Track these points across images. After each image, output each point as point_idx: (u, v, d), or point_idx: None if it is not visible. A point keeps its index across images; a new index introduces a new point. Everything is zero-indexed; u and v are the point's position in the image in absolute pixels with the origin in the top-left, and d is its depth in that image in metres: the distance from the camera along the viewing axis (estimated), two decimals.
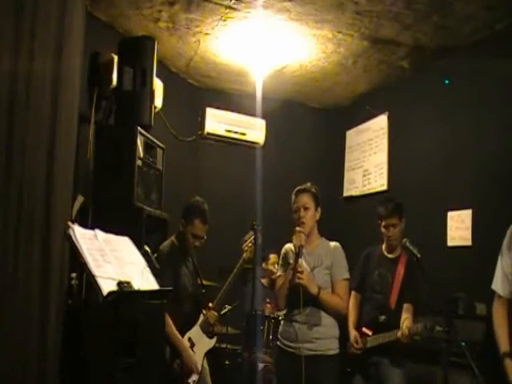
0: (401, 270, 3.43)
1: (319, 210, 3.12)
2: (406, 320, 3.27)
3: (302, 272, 2.90)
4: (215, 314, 3.57)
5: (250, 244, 3.62)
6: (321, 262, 3.06)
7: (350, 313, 3.55)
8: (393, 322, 3.30)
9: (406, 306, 3.38)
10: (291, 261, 3.07)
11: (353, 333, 3.45)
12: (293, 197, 3.14)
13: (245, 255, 3.62)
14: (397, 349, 3.25)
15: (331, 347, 3.01)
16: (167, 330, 3.20)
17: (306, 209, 3.06)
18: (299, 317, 2.99)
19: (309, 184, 3.17)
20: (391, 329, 3.26)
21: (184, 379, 3.26)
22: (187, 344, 3.34)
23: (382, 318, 3.38)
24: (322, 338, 2.98)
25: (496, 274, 2.52)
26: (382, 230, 3.51)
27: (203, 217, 3.41)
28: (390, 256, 3.54)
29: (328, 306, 2.99)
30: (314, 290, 2.93)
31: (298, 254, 2.94)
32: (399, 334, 3.18)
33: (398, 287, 3.40)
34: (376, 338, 3.35)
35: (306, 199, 3.08)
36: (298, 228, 3.01)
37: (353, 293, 3.61)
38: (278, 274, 3.22)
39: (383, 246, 3.59)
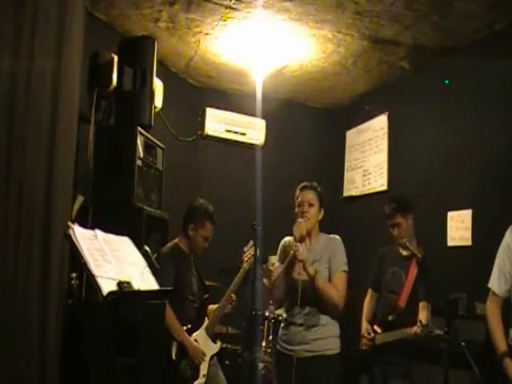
0: (414, 268, 3.37)
1: (322, 211, 3.10)
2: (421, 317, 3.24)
3: (300, 255, 2.86)
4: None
5: (249, 255, 3.62)
6: (320, 256, 3.03)
7: (364, 308, 3.59)
8: (402, 321, 3.27)
9: (421, 304, 3.31)
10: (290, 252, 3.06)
11: (365, 325, 3.45)
12: (297, 191, 3.11)
13: (245, 265, 3.61)
14: (403, 348, 3.24)
15: (330, 347, 2.98)
16: (170, 323, 3.20)
17: (310, 205, 3.05)
18: (297, 318, 2.98)
19: (315, 183, 3.16)
20: (399, 328, 3.25)
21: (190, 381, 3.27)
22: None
23: (390, 317, 3.36)
24: (320, 338, 2.96)
25: (493, 272, 2.54)
26: (390, 229, 3.52)
27: (212, 218, 3.48)
28: (404, 254, 3.51)
29: (323, 294, 2.92)
30: (311, 270, 2.90)
31: (298, 241, 2.91)
32: (416, 329, 3.11)
33: (410, 286, 3.35)
34: (386, 335, 3.32)
35: (312, 196, 3.07)
36: (299, 219, 2.99)
37: (369, 290, 3.65)
38: (276, 265, 3.20)
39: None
